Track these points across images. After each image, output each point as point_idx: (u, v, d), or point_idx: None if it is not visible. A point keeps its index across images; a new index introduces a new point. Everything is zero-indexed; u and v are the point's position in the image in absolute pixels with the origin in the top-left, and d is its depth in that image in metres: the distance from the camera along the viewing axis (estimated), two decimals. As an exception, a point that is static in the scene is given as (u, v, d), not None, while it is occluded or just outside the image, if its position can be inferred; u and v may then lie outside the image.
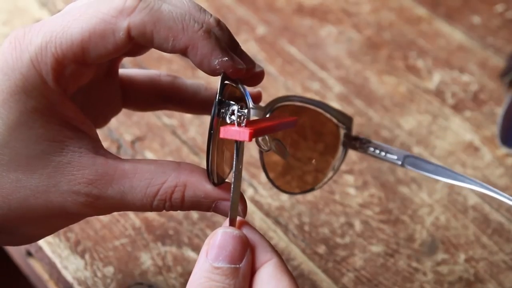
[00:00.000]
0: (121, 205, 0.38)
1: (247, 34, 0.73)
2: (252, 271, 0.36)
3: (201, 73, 0.45)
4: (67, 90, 0.38)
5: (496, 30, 0.76)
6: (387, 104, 0.67)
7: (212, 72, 0.37)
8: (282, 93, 0.67)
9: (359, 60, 0.71)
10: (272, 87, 0.67)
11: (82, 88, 0.40)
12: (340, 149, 0.47)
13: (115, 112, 0.46)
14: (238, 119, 0.36)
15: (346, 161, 0.60)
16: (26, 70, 0.36)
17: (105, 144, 0.59)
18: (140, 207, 0.38)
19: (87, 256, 0.51)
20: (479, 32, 0.75)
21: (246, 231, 0.36)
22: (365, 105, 0.66)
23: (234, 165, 0.36)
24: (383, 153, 0.45)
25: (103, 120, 0.46)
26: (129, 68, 0.46)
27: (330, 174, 0.48)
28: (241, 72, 0.38)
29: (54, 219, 0.39)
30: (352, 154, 0.61)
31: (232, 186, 0.37)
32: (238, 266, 0.35)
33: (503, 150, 0.62)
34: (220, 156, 0.38)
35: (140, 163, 0.38)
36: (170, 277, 0.50)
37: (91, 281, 0.50)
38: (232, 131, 0.35)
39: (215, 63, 0.36)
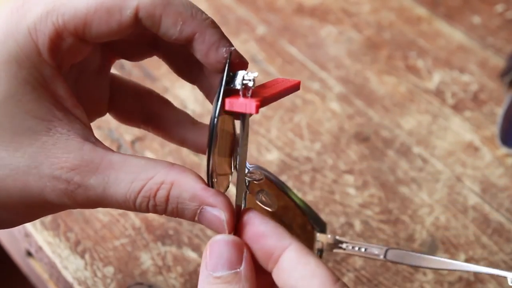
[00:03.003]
0: (102, 198, 0.36)
1: (247, 34, 0.73)
2: (273, 261, 0.35)
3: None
4: (61, 67, 0.37)
5: (496, 30, 0.76)
6: (387, 104, 0.67)
7: (218, 63, 0.36)
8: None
9: (359, 60, 0.71)
10: (272, 87, 0.67)
11: (71, 78, 0.39)
12: (316, 251, 0.46)
13: (99, 112, 0.44)
14: (243, 88, 0.34)
15: (345, 161, 0.61)
16: (22, 38, 0.35)
17: (104, 144, 0.59)
18: (122, 203, 0.36)
19: (87, 256, 0.51)
20: (479, 32, 0.75)
21: (259, 220, 0.35)
22: (365, 105, 0.66)
23: (240, 141, 0.35)
24: (363, 249, 0.44)
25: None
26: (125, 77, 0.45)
27: None
28: (247, 65, 0.37)
29: (32, 207, 0.37)
30: (352, 154, 0.61)
31: (237, 166, 0.35)
32: (238, 270, 0.34)
33: (503, 150, 0.62)
34: (221, 156, 0.37)
35: (130, 157, 0.36)
36: (170, 277, 0.50)
37: (91, 281, 0.50)
38: (238, 103, 0.33)
39: (223, 51, 0.36)
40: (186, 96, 0.65)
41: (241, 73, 0.34)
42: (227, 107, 0.34)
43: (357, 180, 0.59)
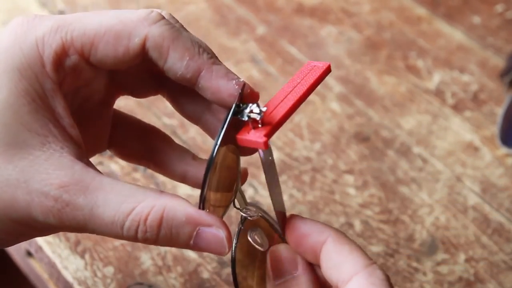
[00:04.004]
0: (89, 219, 0.35)
1: (247, 34, 0.73)
2: (318, 257, 0.36)
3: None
4: (62, 84, 0.37)
5: (496, 30, 0.76)
6: (387, 104, 0.67)
7: (230, 96, 0.36)
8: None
9: (359, 60, 0.71)
10: (272, 87, 0.67)
11: (74, 105, 0.39)
12: None
13: (99, 147, 0.43)
14: (252, 122, 0.34)
15: (345, 161, 0.61)
16: (28, 48, 0.35)
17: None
18: (109, 225, 0.34)
19: (87, 256, 0.51)
20: (479, 32, 0.75)
21: (299, 222, 0.37)
22: (365, 105, 0.66)
23: (265, 165, 0.36)
24: None
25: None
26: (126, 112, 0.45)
27: None
28: (257, 96, 0.37)
29: (18, 224, 0.36)
30: (352, 154, 0.61)
31: (268, 184, 0.36)
32: (295, 274, 0.36)
33: (503, 150, 0.62)
34: (219, 183, 0.37)
35: (121, 182, 0.35)
36: (170, 277, 0.50)
37: (91, 281, 0.50)
38: (247, 140, 0.34)
39: (233, 83, 0.36)
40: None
41: (250, 106, 0.35)
42: (239, 143, 0.35)
43: (357, 180, 0.59)
